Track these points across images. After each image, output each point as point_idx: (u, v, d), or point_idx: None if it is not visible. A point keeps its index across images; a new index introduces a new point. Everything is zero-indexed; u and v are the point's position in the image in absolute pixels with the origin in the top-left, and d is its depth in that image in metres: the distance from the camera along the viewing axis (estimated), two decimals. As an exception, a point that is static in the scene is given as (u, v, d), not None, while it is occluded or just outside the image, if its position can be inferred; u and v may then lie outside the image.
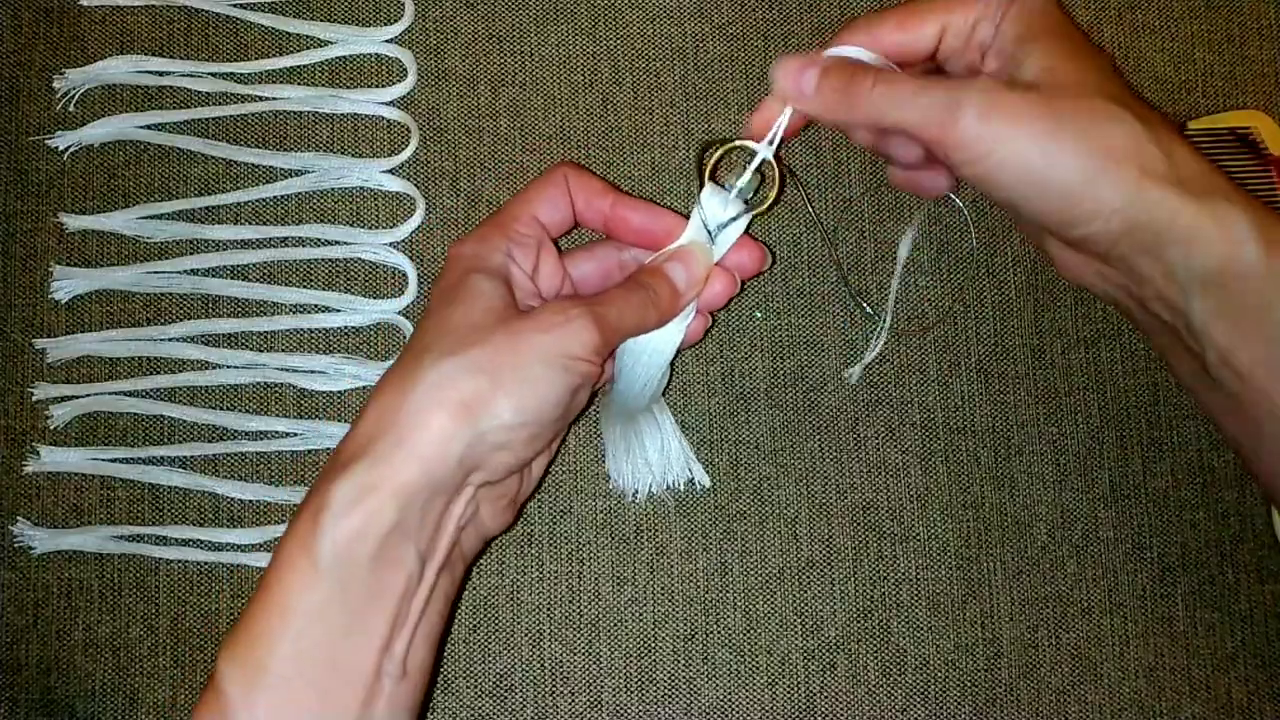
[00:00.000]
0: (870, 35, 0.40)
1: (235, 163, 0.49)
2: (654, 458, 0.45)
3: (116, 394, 0.47)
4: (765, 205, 0.43)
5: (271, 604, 0.35)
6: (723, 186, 0.43)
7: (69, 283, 0.48)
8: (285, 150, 0.49)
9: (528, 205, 0.42)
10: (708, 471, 0.47)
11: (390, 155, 0.49)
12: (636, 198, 0.43)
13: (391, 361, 0.47)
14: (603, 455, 0.46)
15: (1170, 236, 0.36)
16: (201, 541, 0.47)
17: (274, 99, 0.49)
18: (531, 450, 0.38)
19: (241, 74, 0.49)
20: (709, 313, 0.44)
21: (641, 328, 0.41)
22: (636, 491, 0.46)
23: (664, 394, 0.47)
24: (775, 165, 0.42)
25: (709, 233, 0.42)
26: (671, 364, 0.44)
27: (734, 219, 0.42)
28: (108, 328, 0.48)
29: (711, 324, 0.44)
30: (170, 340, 0.48)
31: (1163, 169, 0.36)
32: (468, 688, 0.46)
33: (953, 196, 0.47)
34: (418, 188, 0.49)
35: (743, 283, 0.44)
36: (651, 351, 0.42)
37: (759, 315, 0.47)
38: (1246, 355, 0.36)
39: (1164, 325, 0.39)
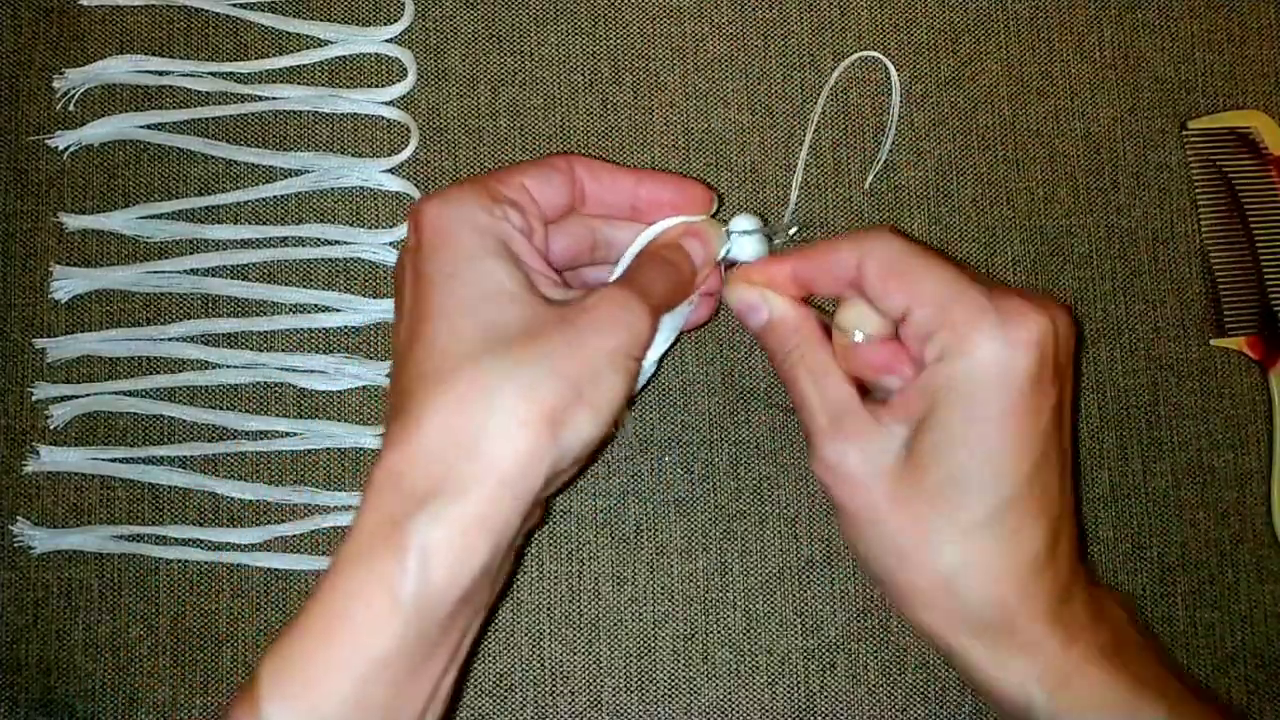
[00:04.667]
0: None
1: (235, 163, 0.49)
2: None
3: (116, 394, 0.47)
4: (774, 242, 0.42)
5: (337, 640, 0.31)
6: (763, 219, 0.42)
7: (69, 282, 0.48)
8: (285, 150, 0.49)
9: (517, 173, 0.37)
10: (707, 471, 0.47)
11: (390, 155, 0.49)
12: (654, 171, 0.39)
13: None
14: (606, 456, 0.46)
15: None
16: (201, 541, 0.47)
17: (274, 99, 0.49)
18: (587, 459, 0.35)
19: (241, 74, 0.49)
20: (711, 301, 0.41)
21: (670, 309, 0.38)
22: None
23: (662, 394, 0.47)
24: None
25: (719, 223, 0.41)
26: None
27: (749, 231, 0.41)
28: (108, 327, 0.48)
29: (714, 314, 0.43)
30: (170, 340, 0.48)
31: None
32: (468, 688, 0.46)
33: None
34: (418, 188, 0.49)
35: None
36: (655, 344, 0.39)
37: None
38: None
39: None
